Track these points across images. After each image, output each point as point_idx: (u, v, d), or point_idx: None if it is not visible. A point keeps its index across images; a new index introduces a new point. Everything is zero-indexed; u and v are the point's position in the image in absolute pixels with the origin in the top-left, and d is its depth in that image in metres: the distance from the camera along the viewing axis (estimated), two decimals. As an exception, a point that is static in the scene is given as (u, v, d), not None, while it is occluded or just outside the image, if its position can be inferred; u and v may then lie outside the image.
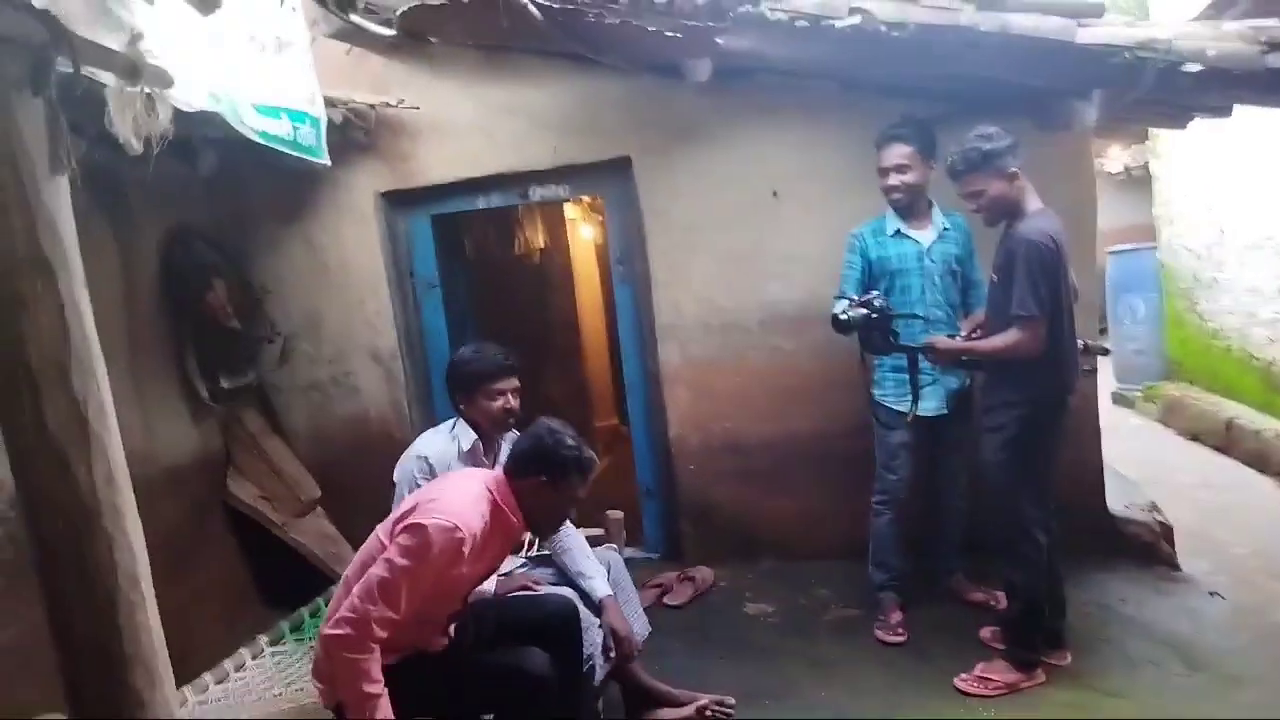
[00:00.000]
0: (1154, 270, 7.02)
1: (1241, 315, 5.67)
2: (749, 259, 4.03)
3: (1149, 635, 3.40)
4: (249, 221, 4.25)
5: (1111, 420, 6.99)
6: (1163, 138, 6.72)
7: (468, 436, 2.93)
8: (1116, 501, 4.16)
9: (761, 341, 4.08)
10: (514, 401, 2.92)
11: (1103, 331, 8.46)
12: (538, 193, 4.22)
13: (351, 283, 4.22)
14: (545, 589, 2.87)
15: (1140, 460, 5.79)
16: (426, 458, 2.86)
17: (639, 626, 3.04)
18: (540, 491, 2.41)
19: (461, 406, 2.96)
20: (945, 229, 3.52)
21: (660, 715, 2.99)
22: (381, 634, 2.15)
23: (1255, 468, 5.29)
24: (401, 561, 2.17)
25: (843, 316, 3.16)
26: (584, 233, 7.82)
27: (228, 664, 2.75)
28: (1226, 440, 5.65)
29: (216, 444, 4.10)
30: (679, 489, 4.23)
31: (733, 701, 2.98)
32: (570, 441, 2.43)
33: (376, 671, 2.15)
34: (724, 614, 3.84)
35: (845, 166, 3.84)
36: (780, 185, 3.98)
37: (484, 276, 5.05)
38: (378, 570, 2.18)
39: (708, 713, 2.96)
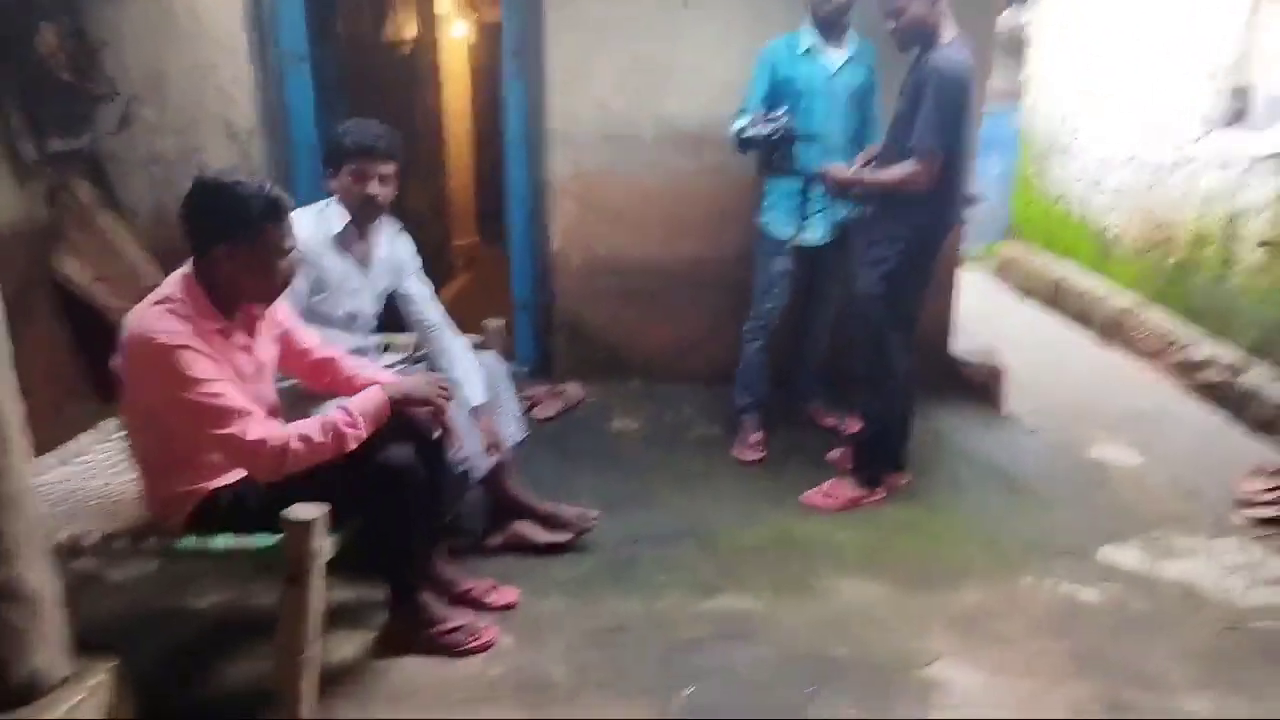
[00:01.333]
0: (1012, 133, 7.28)
1: (1087, 182, 6.00)
2: (654, 69, 3.86)
3: (977, 463, 3.74)
4: (82, -42, 3.65)
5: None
6: (1043, 1, 6.83)
7: (340, 218, 2.71)
8: (957, 345, 4.45)
9: (658, 158, 3.98)
10: (381, 189, 2.68)
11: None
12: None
13: (204, 44, 3.73)
14: None
15: (976, 311, 6.19)
16: None
17: (513, 430, 3.03)
18: (233, 260, 2.04)
19: (331, 184, 2.72)
20: (855, 53, 3.47)
21: (523, 531, 2.99)
22: (255, 428, 2.02)
23: (1079, 324, 5.76)
24: (182, 395, 1.99)
25: (748, 133, 3.10)
26: (456, 30, 7.27)
27: (71, 446, 2.55)
28: (1055, 298, 6.10)
29: (43, 214, 3.65)
30: (555, 306, 4.17)
31: (596, 514, 2.99)
32: (244, 183, 2.04)
33: (302, 431, 2.07)
34: (591, 429, 3.91)
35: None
36: (691, -6, 3.78)
37: (356, 59, 4.61)
38: (183, 419, 2.03)
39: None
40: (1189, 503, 3.48)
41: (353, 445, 2.14)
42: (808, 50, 3.42)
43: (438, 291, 3.05)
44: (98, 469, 2.55)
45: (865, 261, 3.20)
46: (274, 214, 2.07)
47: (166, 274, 3.77)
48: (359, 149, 2.65)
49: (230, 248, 2.04)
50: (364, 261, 2.81)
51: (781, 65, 3.42)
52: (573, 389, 4.09)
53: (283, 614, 2.04)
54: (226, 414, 2.01)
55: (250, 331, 2.22)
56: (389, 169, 2.70)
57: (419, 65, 6.11)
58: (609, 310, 4.15)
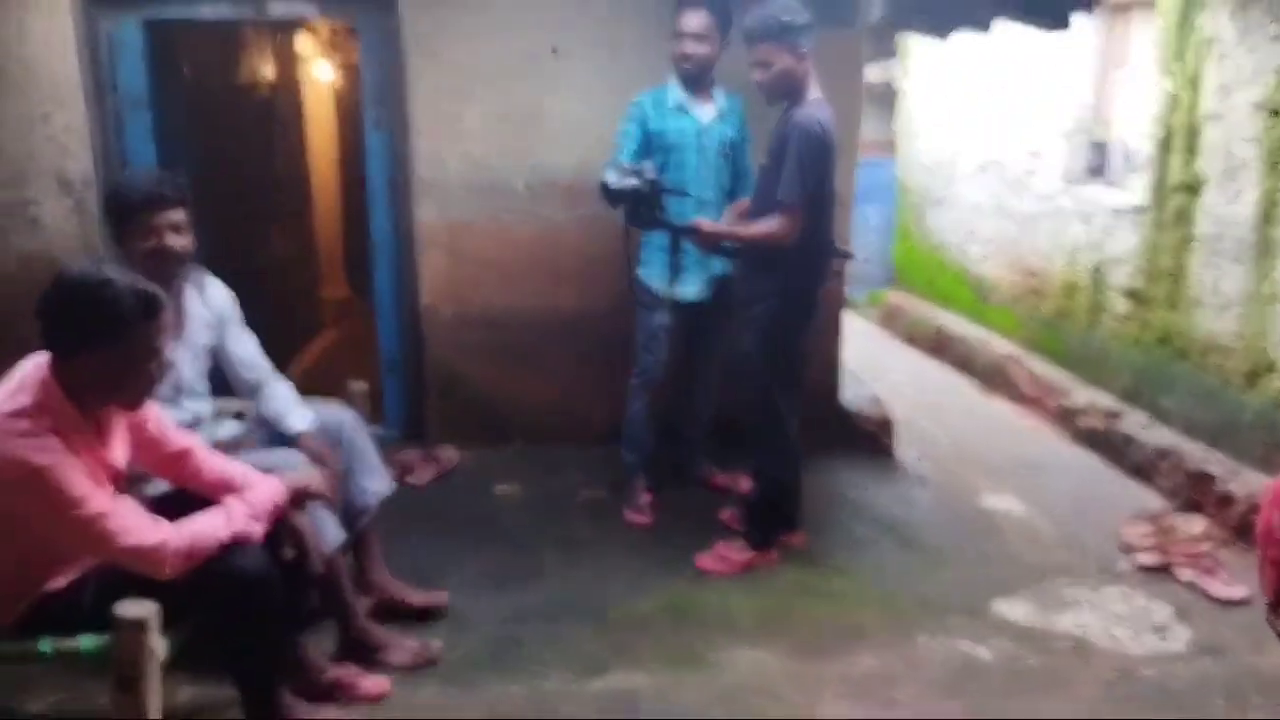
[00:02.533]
0: (890, 183, 7.48)
1: (963, 231, 6.17)
2: (523, 118, 3.73)
3: (870, 518, 3.67)
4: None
5: (838, 321, 7.54)
6: (912, 55, 7.07)
7: None
8: (845, 394, 4.42)
9: (529, 209, 3.83)
10: (173, 240, 2.38)
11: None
12: (278, 8, 3.60)
13: (34, 91, 3.41)
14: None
15: (860, 359, 6.24)
16: None
17: (379, 484, 2.75)
18: (103, 365, 1.86)
19: (119, 247, 2.43)
20: (724, 110, 3.43)
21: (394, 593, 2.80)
22: (154, 546, 1.86)
23: (961, 371, 5.86)
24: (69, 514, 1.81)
25: (614, 186, 2.99)
26: (320, 73, 6.99)
27: None
28: (937, 345, 6.21)
29: None
30: (426, 364, 3.94)
31: (439, 645, 2.66)
32: (114, 282, 1.83)
33: (200, 528, 1.93)
34: (470, 495, 3.68)
35: (631, 30, 3.63)
36: (562, 41, 3.68)
37: (204, 105, 4.32)
38: (71, 541, 1.89)
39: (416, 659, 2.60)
40: (1074, 551, 3.49)
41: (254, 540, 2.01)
42: (679, 105, 3.36)
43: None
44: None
45: (741, 319, 3.14)
46: (148, 313, 1.88)
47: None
48: (143, 201, 2.37)
49: (101, 353, 1.85)
50: (174, 324, 2.52)
51: (652, 119, 3.36)
52: (448, 453, 3.86)
53: (116, 722, 1.76)
54: (116, 528, 1.84)
55: (103, 435, 2.00)
56: (180, 216, 2.42)
57: (279, 108, 5.82)
58: (485, 367, 3.94)
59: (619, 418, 3.62)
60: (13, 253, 3.57)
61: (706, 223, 3.13)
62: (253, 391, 2.71)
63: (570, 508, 3.62)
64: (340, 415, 2.76)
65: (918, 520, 3.69)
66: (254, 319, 2.78)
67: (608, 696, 2.51)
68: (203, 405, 2.65)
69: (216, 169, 4.22)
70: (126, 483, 2.11)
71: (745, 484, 3.57)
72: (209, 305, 2.62)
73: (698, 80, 3.37)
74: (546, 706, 2.46)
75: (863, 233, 7.82)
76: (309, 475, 2.30)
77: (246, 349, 2.71)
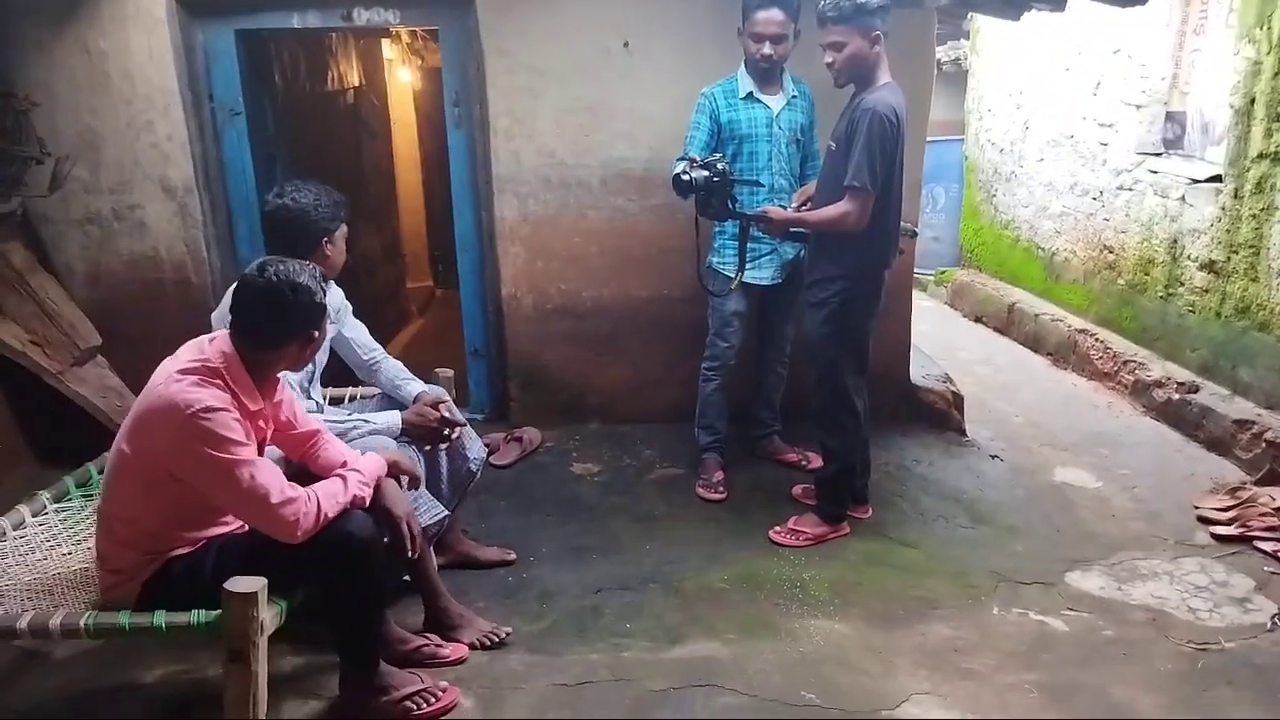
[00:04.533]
0: (958, 162, 7.41)
1: (1034, 208, 6.10)
2: (596, 112, 3.85)
3: (940, 493, 3.71)
4: (12, 18, 3.56)
5: (907, 301, 7.51)
6: (982, 34, 6.99)
7: None
8: (915, 372, 4.45)
9: (603, 200, 3.96)
10: (341, 255, 2.69)
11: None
12: (363, 15, 3.78)
13: (138, 101, 3.66)
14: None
15: (930, 338, 6.23)
16: None
17: (479, 451, 2.99)
18: (298, 352, 2.17)
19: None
20: (794, 96, 3.49)
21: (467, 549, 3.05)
22: (290, 499, 2.03)
23: (1031, 348, 5.82)
24: (216, 455, 1.98)
25: (685, 177, 3.09)
26: (402, 76, 7.26)
27: (4, 522, 2.43)
28: (1007, 322, 6.16)
29: (-27, 280, 3.54)
30: (508, 351, 4.11)
31: (508, 631, 2.75)
32: (309, 281, 2.10)
33: (325, 491, 2.11)
34: (551, 473, 3.84)
35: (701, 21, 3.72)
36: (633, 36, 3.78)
37: (295, 110, 4.55)
38: (214, 478, 2.01)
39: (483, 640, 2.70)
40: (1151, 524, 3.49)
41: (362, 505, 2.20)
42: (749, 94, 3.43)
43: (393, 337, 3.03)
44: (34, 544, 2.44)
45: (809, 303, 3.20)
46: (325, 296, 2.17)
47: (105, 333, 3.74)
48: (332, 225, 2.64)
49: (304, 343, 2.14)
50: None
51: (722, 110, 3.42)
52: (531, 433, 4.02)
53: (227, 691, 1.94)
54: (262, 481, 2.01)
55: (271, 403, 2.23)
56: (345, 231, 2.67)
57: (365, 113, 6.08)
58: (563, 353, 4.10)
59: (691, 398, 3.73)
60: (122, 253, 3.84)
61: (776, 210, 3.21)
62: (370, 370, 2.97)
63: (646, 485, 3.75)
64: (439, 390, 2.96)
65: (989, 495, 3.73)
66: (361, 303, 2.99)
67: (686, 664, 2.62)
68: (318, 395, 2.87)
69: (307, 172, 4.43)
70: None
71: (815, 460, 3.66)
72: (333, 300, 2.83)
73: (768, 72, 3.43)
74: (628, 674, 2.57)
75: (930, 212, 7.80)
76: (399, 453, 2.48)
77: (361, 334, 2.98)
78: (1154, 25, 4.83)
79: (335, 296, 2.88)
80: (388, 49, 6.78)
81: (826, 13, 2.93)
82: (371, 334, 3.02)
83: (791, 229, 3.23)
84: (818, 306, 3.17)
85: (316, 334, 2.15)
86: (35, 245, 3.76)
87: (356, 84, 5.91)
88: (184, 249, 3.86)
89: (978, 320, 6.64)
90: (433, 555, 2.80)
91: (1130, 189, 5.00)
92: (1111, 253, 5.19)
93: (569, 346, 4.09)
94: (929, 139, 7.86)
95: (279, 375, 2.24)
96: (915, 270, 7.91)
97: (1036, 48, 6.05)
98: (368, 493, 2.22)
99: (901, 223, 3.36)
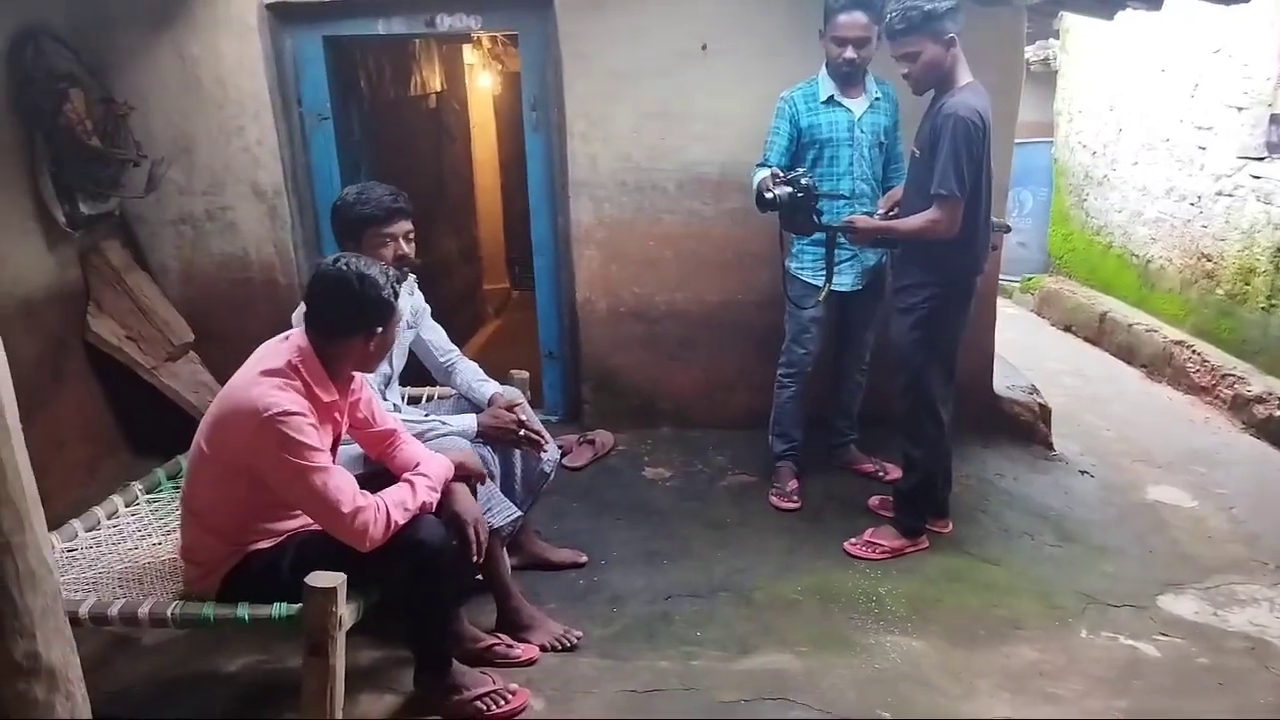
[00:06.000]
0: (1047, 165, 7.17)
1: (1128, 213, 5.87)
2: (673, 116, 3.83)
3: (1026, 508, 3.59)
4: (112, 26, 3.71)
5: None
6: (1072, 34, 6.75)
7: None
8: (1000, 383, 4.32)
9: (679, 205, 3.93)
10: (407, 247, 2.66)
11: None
12: (446, 22, 3.83)
13: (229, 106, 3.78)
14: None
15: (1016, 346, 6.03)
16: None
17: (552, 452, 2.99)
18: (363, 347, 2.18)
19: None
20: (876, 98, 3.42)
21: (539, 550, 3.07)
22: (360, 508, 2.06)
23: (1123, 359, 5.59)
24: (291, 459, 2.02)
25: (768, 194, 3.04)
26: (482, 81, 7.36)
27: (99, 511, 2.53)
28: (1099, 332, 5.93)
29: (74, 276, 3.69)
30: (582, 354, 4.12)
31: (579, 634, 2.74)
32: (378, 276, 2.14)
33: (394, 500, 2.13)
34: (622, 477, 3.83)
35: (780, 23, 3.66)
36: (711, 38, 3.75)
37: (379, 115, 4.64)
38: (288, 481, 2.05)
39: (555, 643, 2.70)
40: (1250, 547, 3.32)
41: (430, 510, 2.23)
42: (830, 98, 3.36)
43: (469, 338, 3.05)
44: (125, 533, 2.54)
45: (896, 308, 3.12)
46: (396, 297, 2.20)
47: (197, 330, 3.87)
48: (377, 215, 2.62)
49: (369, 337, 2.16)
50: None
51: (802, 114, 3.36)
52: (604, 436, 4.02)
53: (305, 683, 1.98)
54: (333, 487, 2.05)
55: (346, 398, 2.28)
56: (409, 226, 2.69)
57: (446, 117, 6.17)
58: (637, 357, 4.08)
59: (764, 404, 3.68)
60: (214, 253, 3.97)
61: (862, 219, 3.14)
62: (447, 372, 3.01)
63: (718, 491, 3.71)
64: (515, 391, 2.98)
65: (1077, 512, 3.58)
66: (440, 302, 3.03)
67: (756, 676, 2.58)
68: (396, 397, 2.91)
69: (396, 174, 4.51)
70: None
71: (893, 471, 3.57)
72: (411, 302, 2.88)
73: (852, 76, 3.35)
74: (697, 683, 2.54)
75: (1016, 216, 7.56)
76: (467, 454, 2.48)
77: (440, 335, 3.01)
78: (1257, 23, 4.59)
79: (415, 300, 2.92)
80: (469, 54, 6.87)
81: (895, 25, 2.87)
82: (448, 335, 3.06)
83: (878, 238, 3.16)
84: (906, 312, 3.08)
85: (381, 329, 2.17)
86: (132, 244, 3.92)
87: (438, 89, 6.01)
88: (272, 250, 3.97)
89: (1067, 329, 6.41)
90: (506, 556, 2.82)
91: (1230, 195, 4.76)
92: (1210, 261, 4.95)
93: (642, 350, 4.07)
94: (1017, 141, 7.71)
95: (354, 373, 2.27)
96: (1000, 276, 7.76)
97: (1130, 47, 5.82)
98: (435, 498, 2.23)
99: (992, 218, 3.26)
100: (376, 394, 2.63)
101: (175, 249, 3.96)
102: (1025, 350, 5.97)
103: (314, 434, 2.05)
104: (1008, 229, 3.51)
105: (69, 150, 3.42)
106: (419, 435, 2.59)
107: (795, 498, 3.57)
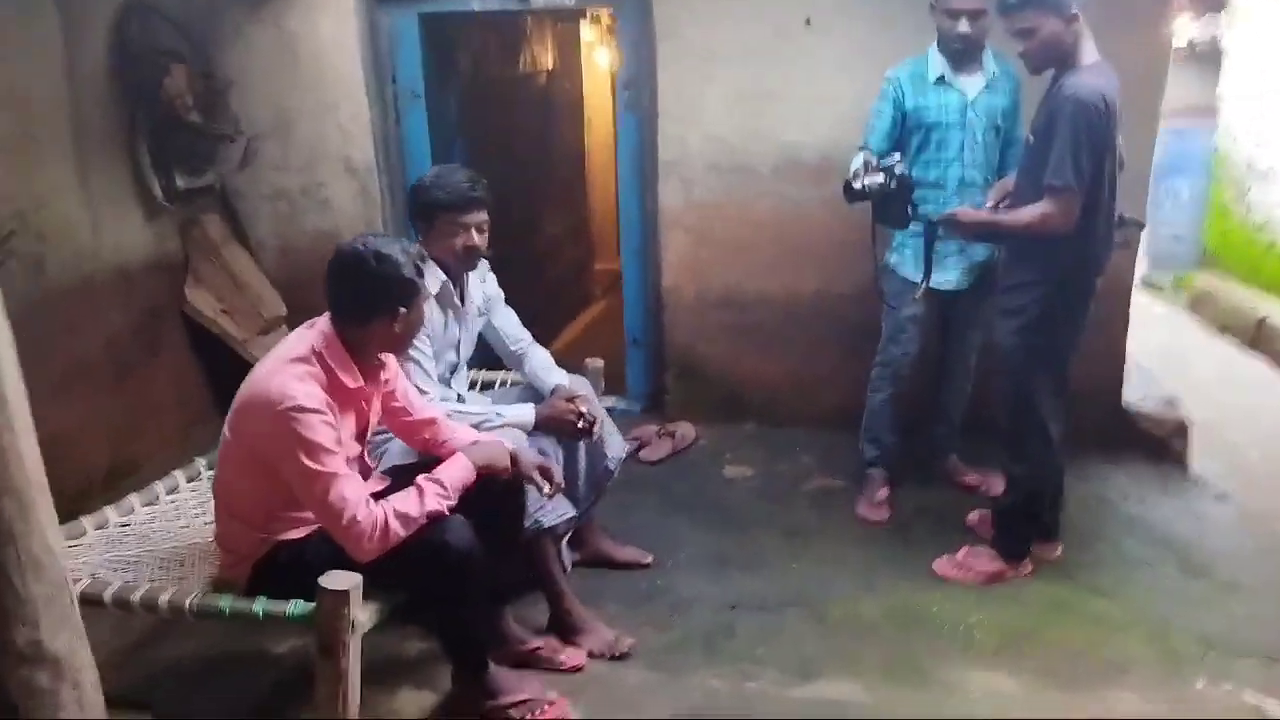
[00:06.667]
0: (1205, 154, 6.50)
1: (1296, 208, 5.23)
2: (769, 96, 3.60)
3: (1148, 535, 3.21)
4: (214, 2, 3.77)
5: (1136, 306, 6.68)
6: (1242, 9, 6.07)
7: (435, 277, 2.55)
8: (1133, 392, 3.90)
9: (773, 189, 3.70)
10: (478, 238, 2.55)
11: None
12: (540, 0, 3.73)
13: (325, 83, 3.79)
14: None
15: (1161, 350, 5.50)
16: None
17: (617, 449, 2.86)
18: (387, 329, 2.07)
19: (422, 239, 2.61)
20: (994, 77, 3.09)
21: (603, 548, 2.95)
22: (357, 521, 1.96)
23: (1282, 370, 5.00)
24: (299, 456, 1.95)
25: (857, 184, 2.77)
26: (600, 59, 7.24)
27: (159, 486, 2.55)
28: (1256, 338, 5.32)
29: (174, 248, 3.78)
30: (666, 343, 3.95)
31: (632, 643, 2.58)
32: (398, 255, 2.04)
33: (400, 508, 2.01)
34: (701, 474, 3.64)
35: (887, -2, 3.37)
36: (815, 13, 3.50)
37: (480, 93, 4.58)
38: (295, 478, 1.98)
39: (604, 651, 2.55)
40: None
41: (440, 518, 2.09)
42: (940, 78, 3.06)
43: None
44: (182, 509, 2.55)
45: (1002, 310, 2.81)
46: (420, 276, 2.11)
47: (290, 305, 3.92)
48: (451, 203, 2.53)
49: (389, 317, 2.06)
50: (461, 310, 2.71)
51: (909, 95, 3.07)
52: (685, 429, 3.85)
53: (317, 685, 1.91)
54: (337, 493, 1.96)
55: (376, 384, 2.20)
56: (483, 217, 2.58)
57: (558, 95, 6.09)
58: (724, 347, 3.88)
59: (857, 403, 3.41)
60: (308, 229, 4.00)
61: (967, 211, 2.83)
62: (516, 359, 2.89)
63: (800, 495, 3.48)
64: (582, 381, 2.85)
65: (1209, 543, 3.17)
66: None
67: (815, 706, 2.36)
68: (463, 386, 2.83)
69: (494, 154, 4.45)
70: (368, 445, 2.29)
71: (997, 486, 3.24)
72: (482, 290, 2.79)
73: (967, 53, 3.05)
74: (750, 709, 2.36)
75: (1170, 208, 6.92)
76: (495, 453, 2.28)
77: (511, 323, 2.89)
78: None
79: (487, 287, 2.82)
80: (587, 31, 6.77)
81: None
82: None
83: (984, 232, 2.85)
84: (1012, 315, 2.78)
85: (405, 309, 2.06)
86: (232, 219, 4.00)
87: (550, 67, 5.93)
88: (363, 228, 3.95)
89: (1221, 332, 5.80)
90: (562, 555, 2.70)
91: None
92: (1396, 263, 4.33)
93: (730, 340, 3.87)
94: (1172, 126, 7.02)
95: (385, 358, 2.18)
96: (1150, 271, 7.11)
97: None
98: (445, 505, 2.08)
99: (1120, 213, 2.91)
100: (432, 384, 2.54)
101: (272, 224, 4.01)
102: (1171, 354, 5.44)
103: (328, 433, 1.97)
104: (1141, 226, 3.11)
105: (167, 124, 3.49)
106: (476, 426, 2.49)
107: (885, 508, 3.31)
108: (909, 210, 2.81)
